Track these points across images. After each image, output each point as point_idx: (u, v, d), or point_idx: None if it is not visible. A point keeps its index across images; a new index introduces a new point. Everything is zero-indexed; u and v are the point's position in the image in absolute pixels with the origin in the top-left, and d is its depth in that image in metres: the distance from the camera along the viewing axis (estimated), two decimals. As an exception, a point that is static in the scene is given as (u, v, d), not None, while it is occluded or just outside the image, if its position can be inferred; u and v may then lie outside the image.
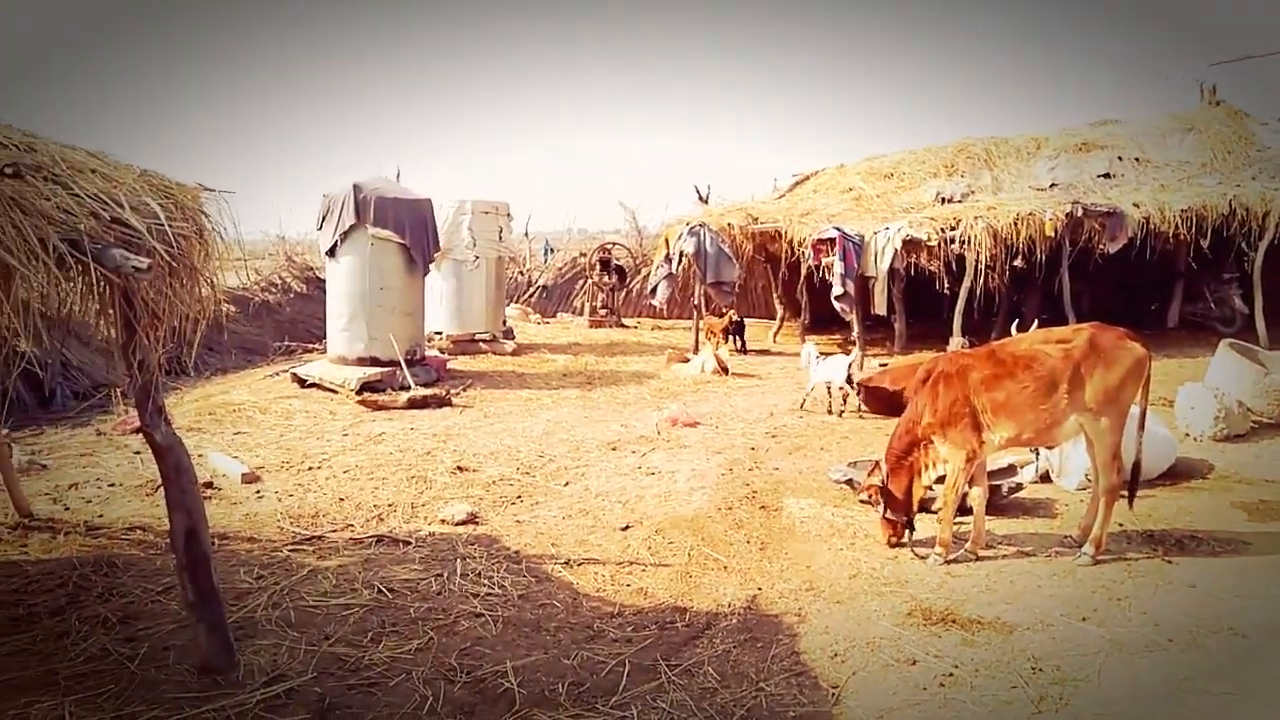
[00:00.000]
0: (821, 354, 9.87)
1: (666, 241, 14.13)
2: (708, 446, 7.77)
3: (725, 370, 11.64)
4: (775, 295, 15.90)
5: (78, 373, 9.60)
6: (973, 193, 14.32)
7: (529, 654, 3.93)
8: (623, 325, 17.60)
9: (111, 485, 6.42)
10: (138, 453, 7.26)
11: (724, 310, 13.92)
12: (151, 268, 2.69)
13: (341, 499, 6.16)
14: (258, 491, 6.33)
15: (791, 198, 16.30)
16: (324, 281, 14.23)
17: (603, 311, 17.75)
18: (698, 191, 17.37)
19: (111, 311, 3.06)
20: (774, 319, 16.09)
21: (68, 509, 5.86)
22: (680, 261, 13.48)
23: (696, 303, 14.00)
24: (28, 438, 7.78)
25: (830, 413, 9.20)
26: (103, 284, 2.78)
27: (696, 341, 13.59)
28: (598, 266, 18.01)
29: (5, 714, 3.33)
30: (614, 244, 19.81)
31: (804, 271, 13.51)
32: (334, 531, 5.53)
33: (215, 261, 3.37)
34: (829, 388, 9.28)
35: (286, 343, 13.29)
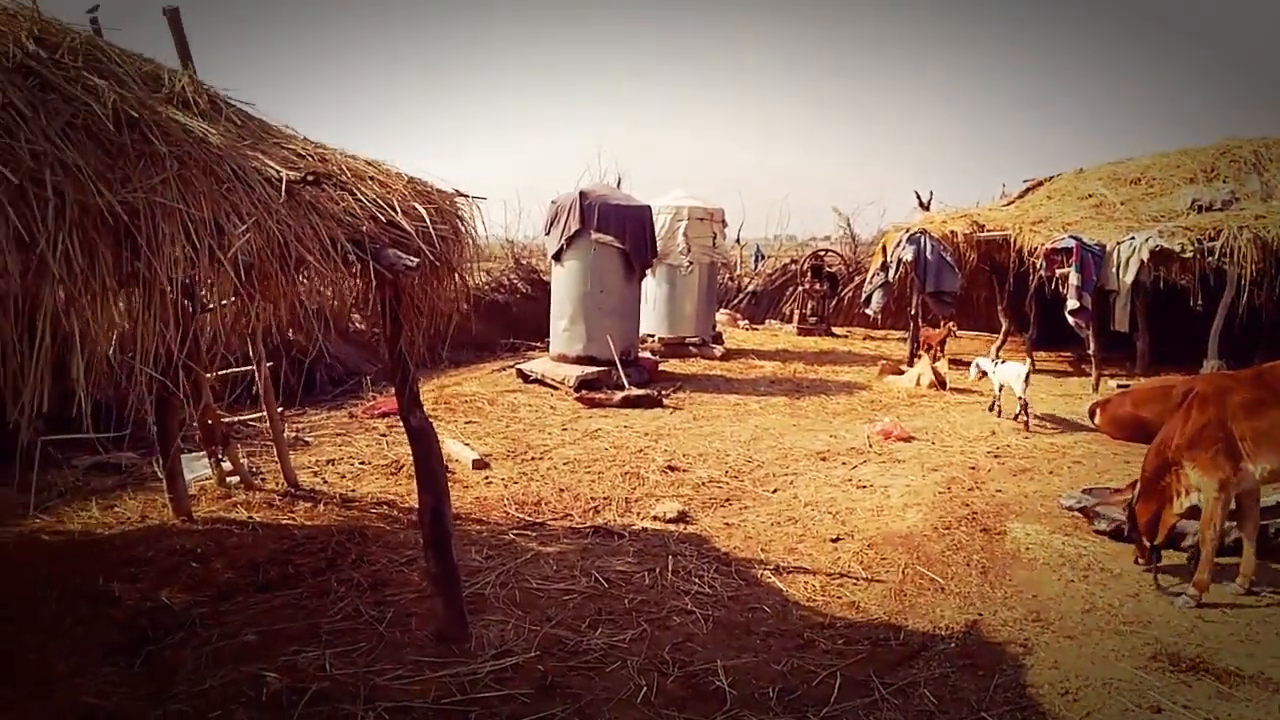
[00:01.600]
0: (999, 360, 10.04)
1: (884, 248, 13.71)
2: (923, 463, 7.48)
3: (943, 384, 11.15)
4: (999, 308, 15.01)
5: (334, 361, 10.65)
6: (1237, 200, 12.86)
7: (739, 655, 3.97)
8: (832, 334, 17.27)
9: (362, 463, 7.09)
10: (383, 435, 7.98)
11: (942, 321, 13.34)
12: (419, 266, 2.98)
13: (561, 489, 6.47)
14: (486, 477, 6.77)
15: (1022, 204, 15.33)
16: (547, 283, 14.99)
17: (812, 319, 17.49)
18: (918, 197, 16.74)
19: (380, 306, 3.39)
20: (996, 333, 15.21)
21: (326, 482, 6.53)
22: (897, 269, 13.05)
23: (913, 313, 13.50)
24: (293, 417, 8.72)
25: (994, 412, 9.50)
26: (376, 280, 3.10)
27: (912, 353, 13.11)
28: (809, 273, 17.77)
29: (277, 658, 3.78)
30: (827, 250, 19.47)
31: (1034, 283, 12.67)
32: (554, 520, 5.82)
33: (469, 262, 3.66)
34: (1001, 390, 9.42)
35: (512, 340, 14.12)
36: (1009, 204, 15.67)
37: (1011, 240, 13.11)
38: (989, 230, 13.58)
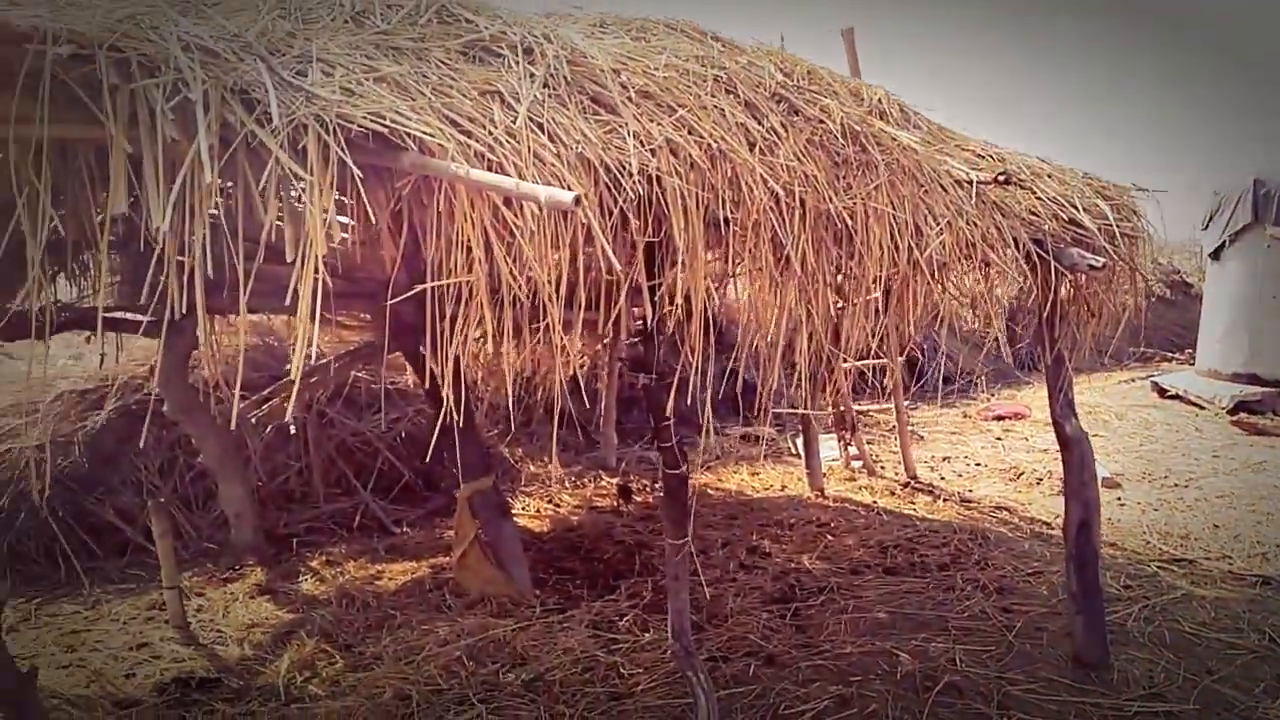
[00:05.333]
0: None
1: None
2: None
3: None
4: None
5: (945, 359, 10.70)
6: None
7: None
8: None
9: (977, 464, 7.01)
10: (998, 439, 7.79)
11: None
12: (1105, 267, 2.81)
13: (1215, 525, 5.59)
14: (1118, 498, 6.17)
15: None
16: (1188, 286, 13.04)
17: None
18: None
19: (1050, 306, 3.28)
20: None
21: (943, 478, 6.61)
22: None
23: None
24: (906, 411, 9.00)
25: None
26: (1054, 280, 3.01)
27: None
28: None
29: (908, 641, 3.93)
30: None
31: None
32: (1209, 560, 5.05)
33: (1148, 262, 3.35)
34: None
35: (1141, 348, 12.61)
36: None
37: None
38: None
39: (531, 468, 6.42)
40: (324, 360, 4.85)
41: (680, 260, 2.08)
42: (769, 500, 6.00)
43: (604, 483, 6.22)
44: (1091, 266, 2.79)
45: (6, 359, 5.32)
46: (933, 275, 2.62)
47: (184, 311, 1.69)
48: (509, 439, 6.44)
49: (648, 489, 6.24)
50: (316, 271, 1.62)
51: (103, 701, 3.46)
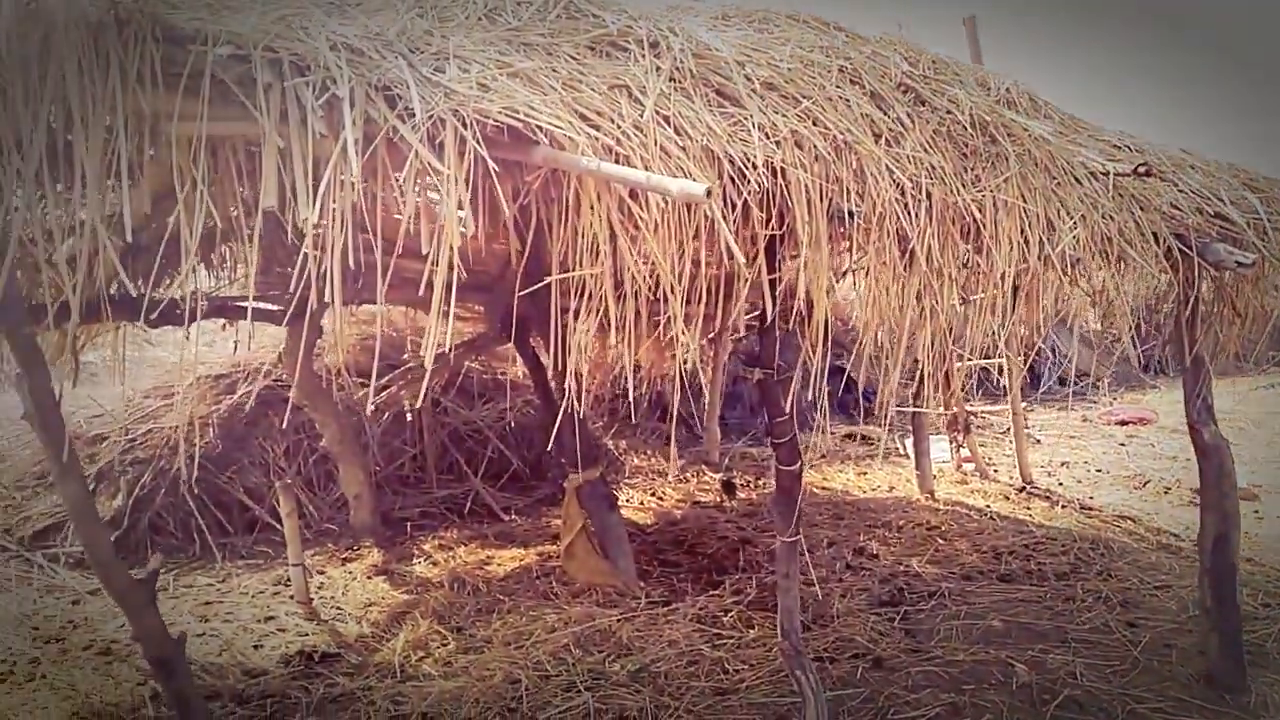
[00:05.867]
0: None
1: None
2: None
3: None
4: None
5: (1063, 359, 10.27)
6: None
7: None
8: None
9: (1098, 470, 6.71)
10: (1122, 445, 7.44)
11: None
12: (1255, 264, 2.64)
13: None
14: (1256, 511, 5.81)
15: None
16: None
17: None
18: None
19: (1189, 305, 3.11)
20: None
21: (1060, 484, 6.35)
22: None
23: None
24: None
25: None
26: (1194, 278, 2.84)
27: None
28: None
29: (1025, 651, 3.79)
30: None
31: None
32: (1360, 579, 4.70)
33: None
34: None
35: (1274, 355, 11.80)
36: None
37: None
38: None
39: (635, 460, 6.47)
40: (441, 351, 4.99)
41: (803, 254, 2.06)
42: (876, 501, 5.89)
43: (707, 477, 6.21)
44: (1240, 263, 2.62)
45: (147, 345, 5.66)
46: (1064, 271, 2.51)
47: (326, 302, 1.76)
48: (613, 431, 6.50)
49: (751, 485, 6.21)
50: (451, 266, 1.67)
51: (234, 669, 3.66)
